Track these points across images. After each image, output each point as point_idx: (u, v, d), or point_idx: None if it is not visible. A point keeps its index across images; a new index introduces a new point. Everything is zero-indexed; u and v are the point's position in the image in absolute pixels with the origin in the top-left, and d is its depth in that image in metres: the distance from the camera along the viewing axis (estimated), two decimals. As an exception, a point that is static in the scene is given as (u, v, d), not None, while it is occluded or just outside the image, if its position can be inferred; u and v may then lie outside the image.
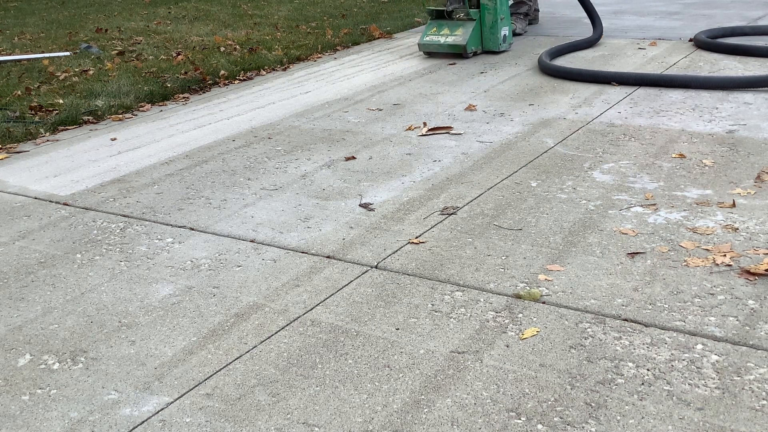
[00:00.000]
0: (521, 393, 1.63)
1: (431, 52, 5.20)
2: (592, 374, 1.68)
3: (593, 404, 1.58)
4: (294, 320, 1.99)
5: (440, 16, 5.14)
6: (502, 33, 5.06)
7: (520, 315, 1.93)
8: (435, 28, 5.15)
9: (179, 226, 2.67)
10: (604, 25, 6.04)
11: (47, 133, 3.98)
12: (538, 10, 6.14)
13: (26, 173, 3.37)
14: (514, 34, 5.67)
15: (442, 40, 5.08)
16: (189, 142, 3.68)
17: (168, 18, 8.37)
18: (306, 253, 2.38)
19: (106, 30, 7.51)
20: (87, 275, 2.35)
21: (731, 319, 1.84)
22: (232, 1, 9.63)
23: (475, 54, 5.10)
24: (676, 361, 1.70)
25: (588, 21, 6.32)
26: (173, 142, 3.71)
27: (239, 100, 4.51)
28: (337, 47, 6.00)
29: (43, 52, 6.20)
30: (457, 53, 5.05)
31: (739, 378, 1.63)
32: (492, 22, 5.00)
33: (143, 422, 1.63)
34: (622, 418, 1.53)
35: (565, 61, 4.70)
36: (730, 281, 2.02)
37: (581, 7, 5.37)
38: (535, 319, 1.91)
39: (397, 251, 2.34)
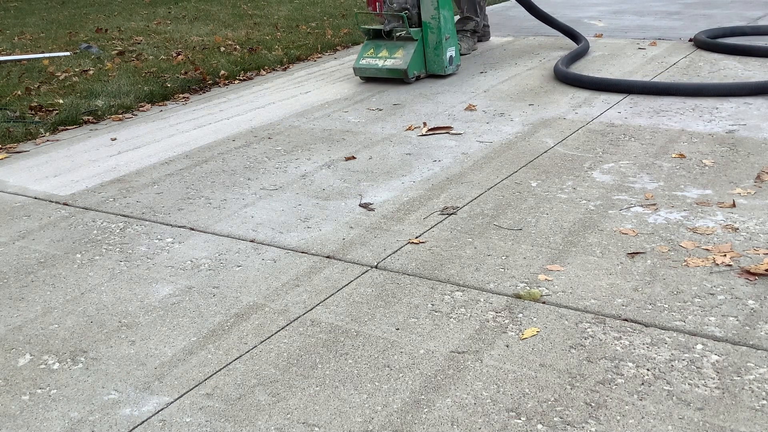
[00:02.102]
0: (521, 393, 1.63)
1: (369, 78, 4.58)
2: (592, 374, 1.68)
3: (593, 404, 1.58)
4: (294, 320, 1.99)
5: (379, 36, 4.50)
6: (448, 54, 4.46)
7: (520, 315, 1.93)
8: (372, 50, 4.50)
9: (179, 226, 2.67)
10: (603, 24, 6.05)
11: (47, 133, 3.98)
12: (488, 26, 5.60)
13: (26, 173, 3.37)
14: (460, 54, 5.08)
15: (380, 63, 4.44)
16: (189, 142, 3.68)
17: (168, 18, 8.37)
18: (306, 253, 2.38)
19: (106, 30, 7.51)
20: (87, 275, 2.35)
21: (731, 319, 1.84)
22: (232, 1, 9.63)
23: (418, 78, 4.50)
24: (676, 361, 1.70)
25: (586, 22, 6.32)
26: (173, 142, 3.71)
27: (239, 100, 4.51)
28: (337, 47, 6.00)
29: (43, 52, 6.20)
30: (397, 78, 4.46)
31: (739, 378, 1.63)
32: (436, 42, 4.39)
33: (143, 422, 1.63)
34: (622, 418, 1.53)
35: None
36: (730, 281, 2.02)
37: (563, 25, 5.18)
38: (535, 319, 1.91)
39: (397, 251, 2.34)
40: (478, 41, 5.47)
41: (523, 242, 2.33)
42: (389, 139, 3.48)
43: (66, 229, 2.72)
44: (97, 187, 3.12)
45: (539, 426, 1.53)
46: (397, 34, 4.41)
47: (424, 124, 3.63)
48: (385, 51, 4.47)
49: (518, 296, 2.02)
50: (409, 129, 3.60)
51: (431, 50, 4.44)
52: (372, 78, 4.57)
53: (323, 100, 4.30)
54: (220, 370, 1.80)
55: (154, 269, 2.35)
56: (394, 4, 4.40)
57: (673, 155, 2.99)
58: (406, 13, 4.36)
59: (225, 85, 5.02)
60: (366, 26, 4.60)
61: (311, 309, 2.04)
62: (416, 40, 4.39)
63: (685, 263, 2.13)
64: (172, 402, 1.69)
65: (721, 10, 6.38)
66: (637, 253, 2.21)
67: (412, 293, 2.08)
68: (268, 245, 2.46)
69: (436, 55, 4.44)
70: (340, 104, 4.16)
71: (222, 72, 5.15)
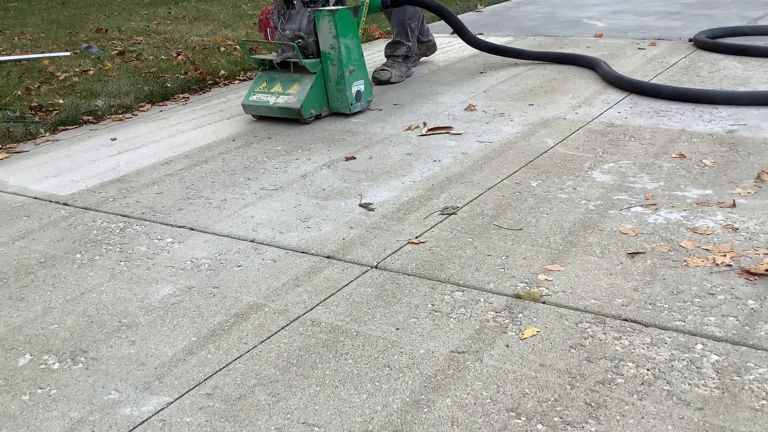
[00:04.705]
0: (521, 393, 1.63)
1: (261, 116, 3.93)
2: (592, 374, 1.68)
3: (593, 404, 1.58)
4: (294, 320, 1.99)
5: (275, 66, 3.86)
6: (354, 89, 3.79)
7: (520, 315, 1.93)
8: (265, 83, 3.84)
9: (179, 226, 2.67)
10: (603, 24, 6.05)
11: (47, 133, 3.98)
12: (432, 39, 5.02)
13: (26, 173, 3.37)
14: (389, 82, 4.51)
15: (271, 100, 3.77)
16: (189, 142, 3.68)
17: (168, 18, 8.38)
18: (306, 253, 2.38)
19: (106, 30, 7.51)
20: (87, 275, 2.35)
21: (731, 319, 1.84)
22: (232, 1, 9.63)
23: (318, 117, 3.84)
24: (676, 361, 1.70)
25: (586, 22, 6.33)
26: (173, 142, 3.70)
27: (239, 99, 4.50)
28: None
29: (43, 52, 6.20)
30: (292, 118, 3.80)
31: (739, 378, 1.63)
32: (338, 75, 3.73)
33: (143, 422, 1.63)
34: (622, 418, 1.53)
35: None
36: (730, 281, 2.02)
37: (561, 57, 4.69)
38: (535, 319, 1.91)
39: (397, 251, 2.34)
40: (424, 56, 4.93)
41: (523, 242, 2.33)
42: (389, 139, 3.48)
43: (66, 229, 2.72)
44: (97, 187, 3.12)
45: (539, 426, 1.53)
46: (302, 65, 3.73)
47: (424, 124, 3.63)
48: (278, 85, 3.80)
49: (518, 296, 2.02)
50: (409, 129, 3.60)
51: (333, 85, 3.78)
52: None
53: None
54: (220, 370, 1.80)
55: (154, 269, 2.35)
56: (287, 31, 3.78)
57: (673, 155, 2.99)
58: (299, 43, 3.74)
59: (225, 85, 5.02)
60: (257, 56, 3.93)
61: (311, 309, 2.04)
62: (314, 73, 3.73)
63: (685, 263, 2.13)
64: (172, 402, 1.69)
65: (721, 10, 6.38)
66: (637, 253, 2.21)
67: (412, 293, 2.08)
68: (268, 245, 2.46)
69: (339, 90, 3.78)
70: (340, 104, 4.16)
71: (222, 72, 5.15)
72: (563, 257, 2.21)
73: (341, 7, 3.75)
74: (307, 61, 3.72)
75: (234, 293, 2.16)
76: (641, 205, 2.54)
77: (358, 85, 3.84)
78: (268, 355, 1.84)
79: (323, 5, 3.78)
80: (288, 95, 3.75)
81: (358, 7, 4.02)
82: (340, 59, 3.70)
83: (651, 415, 1.53)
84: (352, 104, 3.82)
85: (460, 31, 4.50)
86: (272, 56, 3.86)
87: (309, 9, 3.75)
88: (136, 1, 10.45)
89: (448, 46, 5.56)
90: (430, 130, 3.55)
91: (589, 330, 1.84)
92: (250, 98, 3.87)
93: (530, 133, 3.39)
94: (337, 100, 3.83)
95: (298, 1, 3.78)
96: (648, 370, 1.67)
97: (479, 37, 4.89)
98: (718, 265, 2.10)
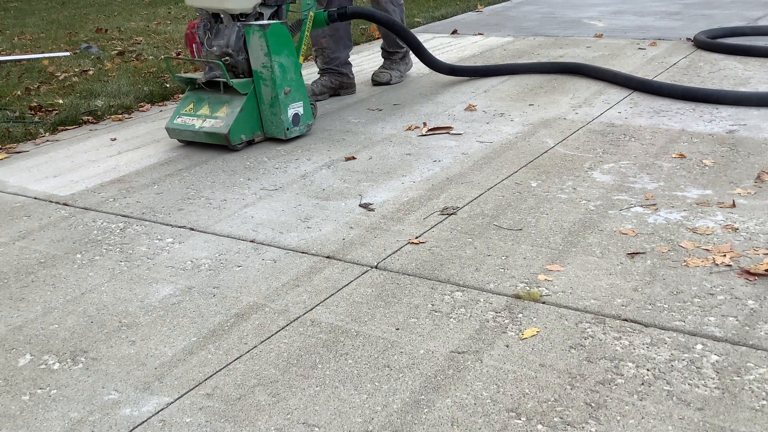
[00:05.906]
0: (521, 393, 1.63)
1: (188, 141, 3.55)
2: (592, 374, 1.68)
3: (593, 404, 1.58)
4: (294, 320, 1.99)
5: (203, 87, 3.49)
6: (291, 112, 3.42)
7: (520, 315, 1.93)
8: (192, 105, 3.47)
9: (179, 226, 2.67)
10: (603, 24, 6.05)
11: (47, 133, 3.98)
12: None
13: (26, 173, 3.37)
14: (389, 83, 4.48)
15: (197, 124, 3.40)
16: (189, 141, 3.68)
17: (168, 18, 8.38)
18: (306, 253, 2.38)
19: (106, 30, 7.52)
20: (87, 275, 2.35)
21: (731, 319, 1.84)
22: (232, 1, 9.62)
23: (250, 143, 3.48)
24: (676, 361, 1.70)
25: (587, 22, 6.33)
26: (173, 142, 3.70)
27: (239, 100, 4.50)
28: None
29: (43, 52, 6.20)
30: (221, 144, 3.42)
31: (739, 378, 1.63)
32: (272, 98, 3.36)
33: (143, 422, 1.63)
34: (622, 418, 1.53)
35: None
36: (730, 281, 2.02)
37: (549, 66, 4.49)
38: (535, 319, 1.91)
39: (397, 251, 2.34)
40: (335, 94, 4.43)
41: (523, 242, 2.33)
42: (389, 139, 3.48)
43: (66, 229, 2.72)
44: (97, 188, 3.12)
45: (539, 426, 1.53)
46: (230, 85, 3.36)
47: (424, 124, 3.63)
48: (206, 107, 3.43)
49: (518, 296, 2.02)
50: (409, 129, 3.60)
51: (267, 107, 3.41)
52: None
53: (323, 99, 4.29)
54: (220, 370, 1.80)
55: (154, 269, 2.35)
56: (214, 48, 3.43)
57: (673, 155, 2.99)
58: (225, 61, 3.40)
59: (225, 85, 5.01)
60: (180, 75, 3.62)
61: (311, 309, 2.04)
62: (245, 94, 3.37)
63: (685, 263, 2.13)
64: (172, 402, 1.69)
65: (721, 10, 6.38)
66: (637, 253, 2.21)
67: (412, 293, 2.08)
68: (268, 245, 2.46)
69: (273, 114, 3.41)
70: (340, 103, 4.16)
71: (222, 72, 5.14)
72: (563, 257, 2.21)
73: (274, 21, 3.42)
74: (236, 81, 3.36)
75: (234, 293, 2.16)
76: (641, 206, 2.54)
77: (296, 108, 3.46)
78: (268, 355, 1.84)
79: (256, 19, 3.45)
80: (215, 119, 3.38)
81: (302, 20, 3.72)
82: (273, 79, 3.33)
83: (651, 415, 1.53)
84: (288, 129, 3.45)
85: (417, 50, 4.14)
86: (199, 75, 3.50)
87: (238, 24, 3.40)
88: (136, 1, 10.46)
89: (447, 46, 5.56)
90: (430, 130, 3.55)
91: (589, 330, 1.84)
92: (175, 121, 3.49)
93: (530, 133, 3.39)
94: (272, 125, 3.45)
95: (225, 15, 3.41)
96: (648, 370, 1.67)
97: (476, 34, 4.83)
98: (717, 265, 2.10)
